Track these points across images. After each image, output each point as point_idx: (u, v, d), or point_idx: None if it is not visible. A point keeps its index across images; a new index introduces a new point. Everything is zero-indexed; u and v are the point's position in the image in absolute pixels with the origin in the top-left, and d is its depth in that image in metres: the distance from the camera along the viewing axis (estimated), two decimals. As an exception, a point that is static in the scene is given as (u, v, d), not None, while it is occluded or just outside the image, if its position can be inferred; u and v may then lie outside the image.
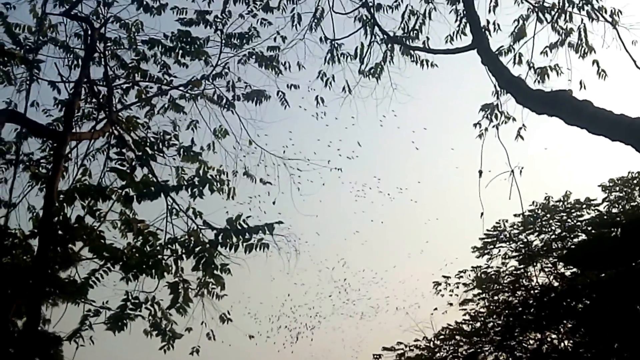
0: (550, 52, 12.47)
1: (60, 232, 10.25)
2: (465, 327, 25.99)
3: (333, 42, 13.16)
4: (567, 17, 12.35)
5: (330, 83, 13.34)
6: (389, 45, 12.96)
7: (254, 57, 13.64)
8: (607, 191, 24.02)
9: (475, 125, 12.46)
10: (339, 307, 30.18)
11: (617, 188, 24.02)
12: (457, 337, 26.02)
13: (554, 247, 24.05)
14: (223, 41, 13.45)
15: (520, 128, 12.27)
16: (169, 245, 10.88)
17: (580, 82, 12.14)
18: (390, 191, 18.92)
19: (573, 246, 23.16)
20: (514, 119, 12.35)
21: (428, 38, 12.97)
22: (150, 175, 11.56)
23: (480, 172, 10.62)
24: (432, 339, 26.49)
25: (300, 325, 28.61)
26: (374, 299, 29.78)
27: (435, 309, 27.20)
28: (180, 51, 13.29)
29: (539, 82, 12.46)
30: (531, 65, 12.46)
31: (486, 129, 12.33)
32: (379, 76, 13.21)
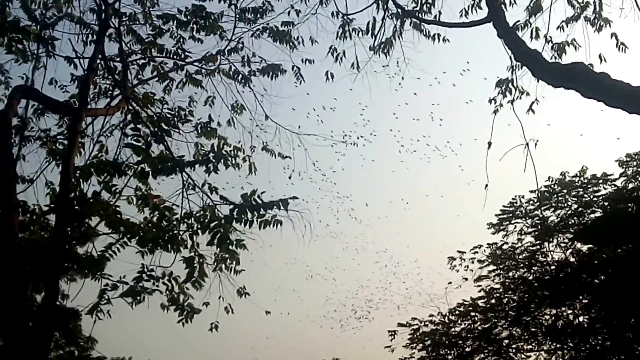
0: (567, 26, 12.31)
1: (77, 207, 10.32)
2: (480, 302, 26.04)
3: (345, 17, 13.09)
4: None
5: (341, 59, 13.30)
6: (401, 20, 12.87)
7: (267, 31, 13.59)
8: (624, 166, 23.80)
9: (490, 101, 12.40)
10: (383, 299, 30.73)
11: (634, 163, 23.78)
12: (472, 313, 26.07)
13: (570, 222, 23.96)
14: (237, 16, 13.41)
15: (533, 102, 12.19)
16: (185, 220, 10.94)
17: (600, 56, 11.98)
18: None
19: (588, 222, 23.03)
20: (527, 94, 12.27)
21: (440, 12, 12.86)
22: (165, 151, 11.61)
23: (490, 144, 10.62)
24: (447, 314, 26.57)
25: (351, 314, 29.56)
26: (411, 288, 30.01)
27: (450, 282, 27.29)
28: (195, 26, 13.28)
29: (556, 58, 12.33)
30: (548, 39, 12.31)
31: (501, 105, 12.27)
32: (388, 52, 13.14)
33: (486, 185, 10.68)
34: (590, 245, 23.73)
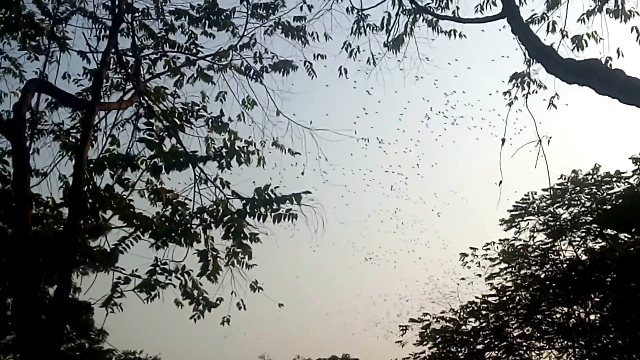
0: (588, 19, 12.12)
1: (90, 201, 10.37)
2: (491, 299, 25.94)
3: (360, 12, 13.07)
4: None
5: (356, 54, 13.28)
6: (415, 16, 12.83)
7: (280, 27, 13.59)
8: (638, 163, 23.58)
9: (504, 93, 12.34)
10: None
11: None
12: (484, 312, 25.98)
13: (583, 220, 23.80)
14: (249, 12, 13.42)
15: (553, 97, 12.13)
16: (198, 215, 10.97)
17: (618, 50, 11.85)
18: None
19: (609, 207, 22.76)
20: (545, 87, 12.20)
21: (458, 7, 12.79)
22: (178, 146, 11.65)
23: (503, 140, 10.58)
24: (459, 311, 26.49)
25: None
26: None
27: (463, 279, 27.22)
28: (207, 22, 13.30)
29: (576, 50, 12.15)
30: (565, 33, 12.16)
31: (516, 98, 12.21)
32: (399, 48, 13.10)
33: (500, 182, 10.63)
34: (602, 243, 23.60)
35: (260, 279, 11.55)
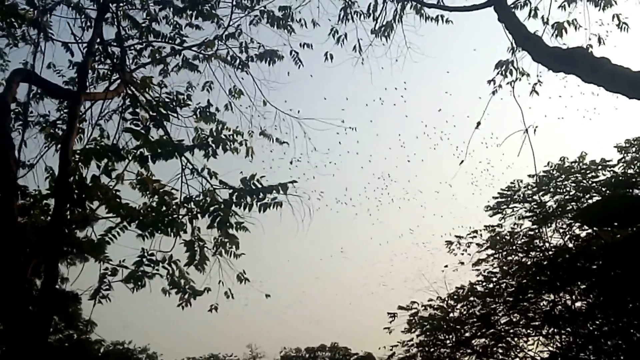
0: (569, 6, 12.20)
1: (76, 191, 10.33)
2: (478, 287, 26.06)
3: (347, -1, 13.03)
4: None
5: (343, 41, 13.24)
6: (403, 3, 12.80)
7: (265, 16, 13.52)
8: (622, 152, 23.74)
9: (489, 82, 12.38)
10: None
11: (633, 149, 23.71)
12: (471, 298, 26.08)
13: (568, 208, 23.91)
14: (234, 1, 13.34)
15: (536, 84, 12.17)
16: (185, 204, 10.96)
17: (599, 38, 11.93)
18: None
19: (587, 205, 22.92)
20: (528, 75, 12.25)
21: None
22: (164, 136, 11.61)
23: (478, 123, 10.65)
24: (446, 299, 26.59)
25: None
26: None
27: (446, 266, 27.31)
28: (192, 12, 13.21)
29: (556, 36, 12.23)
30: (546, 20, 12.22)
31: (500, 86, 12.25)
32: (389, 35, 13.07)
33: (461, 162, 10.72)
34: (588, 231, 23.71)
35: (250, 269, 11.58)
